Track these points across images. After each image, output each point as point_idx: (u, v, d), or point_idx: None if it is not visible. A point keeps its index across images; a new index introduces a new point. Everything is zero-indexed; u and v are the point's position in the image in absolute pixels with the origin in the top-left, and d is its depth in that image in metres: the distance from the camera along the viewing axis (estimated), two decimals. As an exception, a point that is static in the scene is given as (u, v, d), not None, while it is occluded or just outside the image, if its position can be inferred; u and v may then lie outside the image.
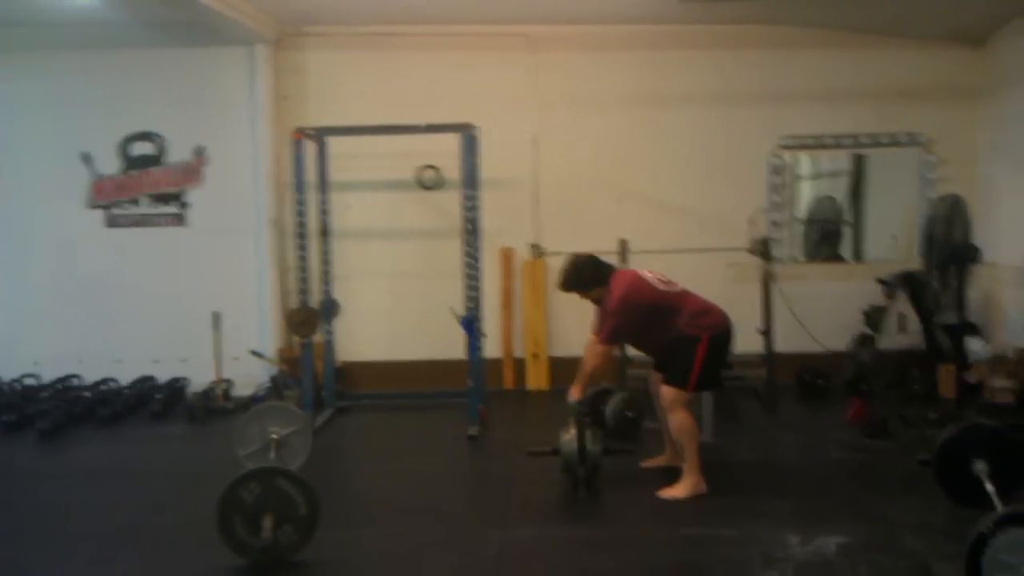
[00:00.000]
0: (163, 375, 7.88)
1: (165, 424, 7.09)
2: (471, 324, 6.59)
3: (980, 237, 6.59)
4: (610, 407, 6.21)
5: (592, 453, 5.11)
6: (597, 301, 5.26)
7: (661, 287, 5.12)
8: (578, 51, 8.00)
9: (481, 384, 6.81)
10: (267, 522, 4.16)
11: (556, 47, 7.94)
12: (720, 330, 5.12)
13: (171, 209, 8.02)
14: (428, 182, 7.94)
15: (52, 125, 7.99)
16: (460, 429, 6.51)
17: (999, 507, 3.98)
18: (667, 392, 5.04)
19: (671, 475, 5.22)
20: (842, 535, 4.38)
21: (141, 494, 5.44)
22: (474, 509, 5.13)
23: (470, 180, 6.72)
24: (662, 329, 5.08)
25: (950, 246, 6.37)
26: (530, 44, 7.88)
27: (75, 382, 7.84)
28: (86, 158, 7.98)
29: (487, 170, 7.32)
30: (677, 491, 5.01)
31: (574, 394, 5.18)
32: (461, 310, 6.67)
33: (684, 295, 5.15)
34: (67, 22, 7.46)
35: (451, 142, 6.76)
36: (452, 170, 7.41)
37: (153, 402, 7.32)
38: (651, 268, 5.29)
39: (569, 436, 5.14)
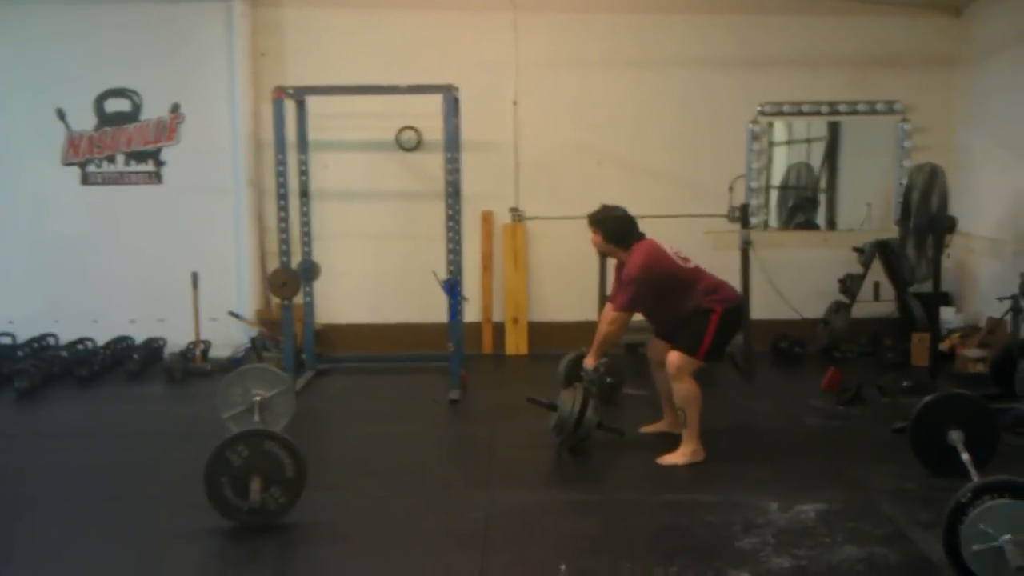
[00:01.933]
0: (140, 335, 7.84)
1: (142, 384, 7.08)
2: (454, 288, 6.60)
3: (956, 207, 6.68)
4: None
5: (588, 422, 5.17)
6: (604, 254, 5.26)
7: (679, 261, 5.16)
8: (560, 12, 7.95)
9: (461, 348, 6.83)
10: (255, 484, 4.18)
11: (538, 8, 7.87)
12: (733, 303, 5.17)
13: (147, 167, 7.93)
14: (408, 143, 7.91)
15: (26, 81, 7.84)
16: (441, 393, 6.55)
17: (975, 476, 4.08)
18: (675, 358, 5.04)
19: (667, 440, 5.30)
20: (820, 502, 4.47)
21: (123, 455, 5.43)
22: (459, 472, 5.18)
23: (452, 142, 6.69)
24: (675, 302, 5.10)
25: (926, 215, 6.44)
26: (512, 4, 7.82)
27: (51, 341, 7.79)
28: (61, 114, 7.86)
29: (467, 132, 7.27)
30: (676, 457, 5.07)
31: (589, 361, 5.25)
32: (441, 273, 6.67)
33: (699, 271, 5.20)
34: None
35: (432, 103, 6.71)
36: (432, 131, 7.39)
37: (130, 362, 7.29)
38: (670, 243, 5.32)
39: (570, 399, 5.19)
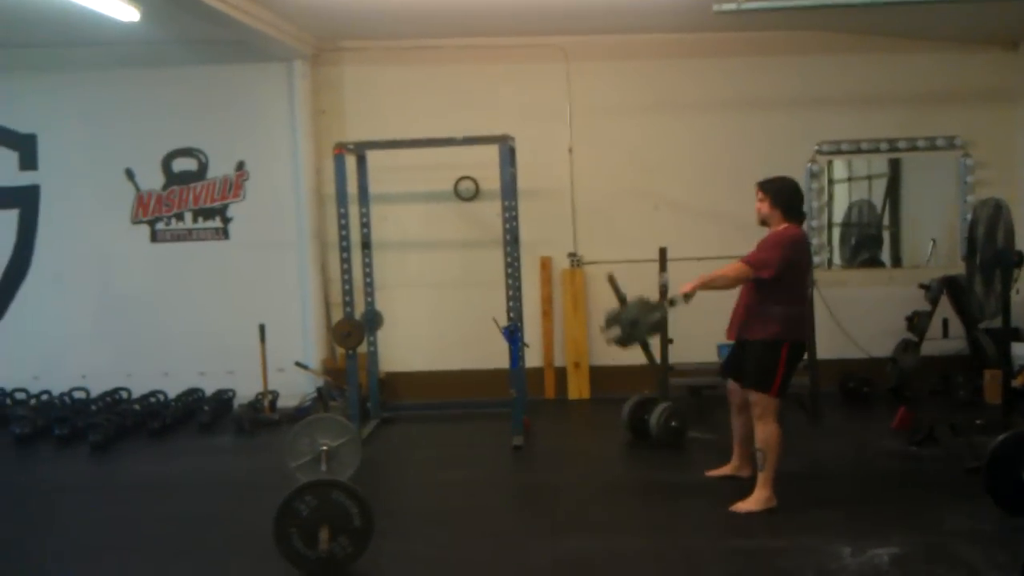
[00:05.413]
0: (210, 387, 7.99)
1: (213, 436, 7.20)
2: (514, 334, 6.63)
3: (1021, 241, 6.55)
4: (655, 417, 6.25)
5: (641, 327, 5.21)
6: (763, 222, 5.21)
7: (807, 268, 5.29)
8: (612, 60, 8.05)
9: (523, 394, 6.85)
10: (323, 534, 4.22)
11: (590, 56, 7.98)
12: (801, 340, 5.17)
13: (214, 223, 8.14)
14: (466, 193, 8.02)
15: (96, 142, 8.14)
16: (504, 439, 6.56)
17: (1053, 516, 3.98)
18: (758, 399, 5.01)
19: (735, 485, 5.25)
20: (894, 546, 4.38)
21: (195, 506, 5.53)
22: (523, 519, 5.18)
23: (508, 191, 6.77)
24: (770, 294, 5.01)
25: (993, 250, 6.33)
26: (565, 54, 7.92)
27: (123, 395, 7.97)
28: (130, 174, 8.12)
29: (524, 180, 7.38)
30: (749, 504, 5.00)
31: (684, 288, 5.02)
32: (502, 320, 6.72)
33: (806, 298, 5.31)
34: (110, 40, 7.58)
35: (488, 153, 6.80)
36: (489, 180, 7.48)
37: (201, 414, 7.43)
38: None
39: (643, 306, 5.22)
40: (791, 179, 5.25)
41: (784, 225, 5.12)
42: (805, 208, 5.44)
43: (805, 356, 5.55)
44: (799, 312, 5.13)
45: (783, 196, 5.15)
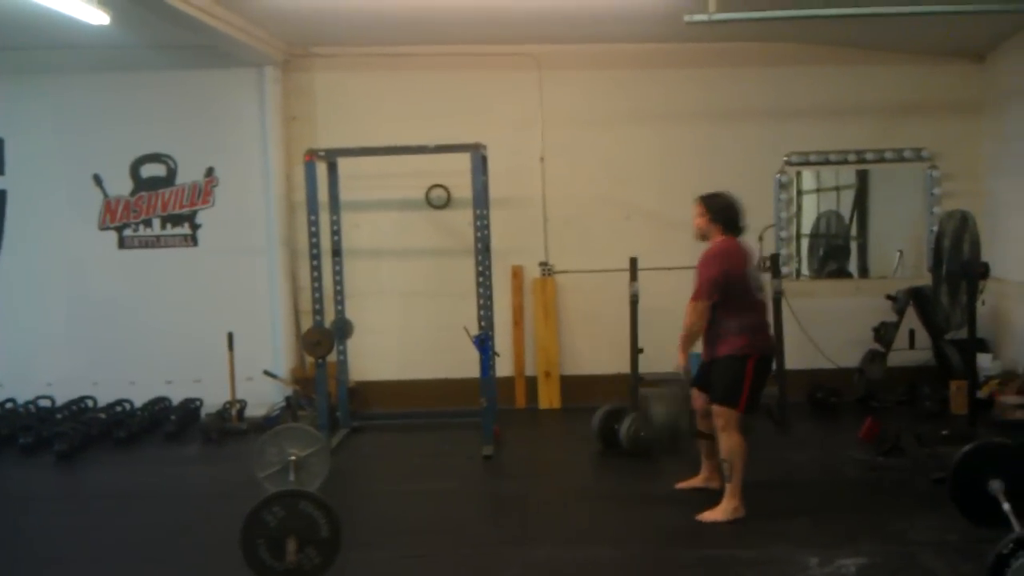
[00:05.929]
0: (177, 396, 7.91)
1: (180, 445, 7.13)
2: (485, 343, 6.62)
3: (987, 253, 6.63)
4: (624, 428, 6.26)
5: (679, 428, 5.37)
6: (702, 237, 5.28)
7: (751, 280, 5.16)
8: (584, 69, 8.06)
9: (494, 403, 6.83)
10: (291, 545, 4.18)
11: (563, 65, 7.99)
12: (767, 352, 5.20)
13: (183, 230, 8.07)
14: (437, 201, 8.00)
15: (64, 147, 8.04)
16: (474, 449, 6.54)
17: (1016, 527, 4.01)
18: (721, 412, 5.05)
19: (705, 496, 5.26)
20: (861, 556, 4.41)
21: (161, 516, 5.48)
22: (493, 529, 5.18)
23: (480, 199, 6.76)
24: (724, 313, 5.06)
25: (958, 262, 6.40)
26: (537, 63, 7.93)
27: (89, 404, 7.86)
28: (98, 180, 8.04)
29: (496, 188, 7.37)
30: (716, 514, 5.02)
31: (680, 360, 5.21)
32: (473, 328, 6.70)
33: (761, 304, 5.22)
34: (79, 44, 7.49)
35: (460, 161, 6.79)
36: (461, 188, 7.48)
37: (167, 423, 7.35)
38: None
39: (663, 407, 5.36)
40: (729, 194, 5.33)
41: (719, 239, 5.18)
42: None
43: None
44: (757, 321, 5.16)
45: (722, 211, 5.23)
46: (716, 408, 5.07)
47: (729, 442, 5.03)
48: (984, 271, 6.46)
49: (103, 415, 7.49)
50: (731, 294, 5.07)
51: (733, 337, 5.05)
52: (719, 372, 5.11)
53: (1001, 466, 4.47)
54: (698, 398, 5.39)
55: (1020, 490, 4.40)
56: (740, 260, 5.17)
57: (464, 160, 6.71)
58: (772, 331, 5.38)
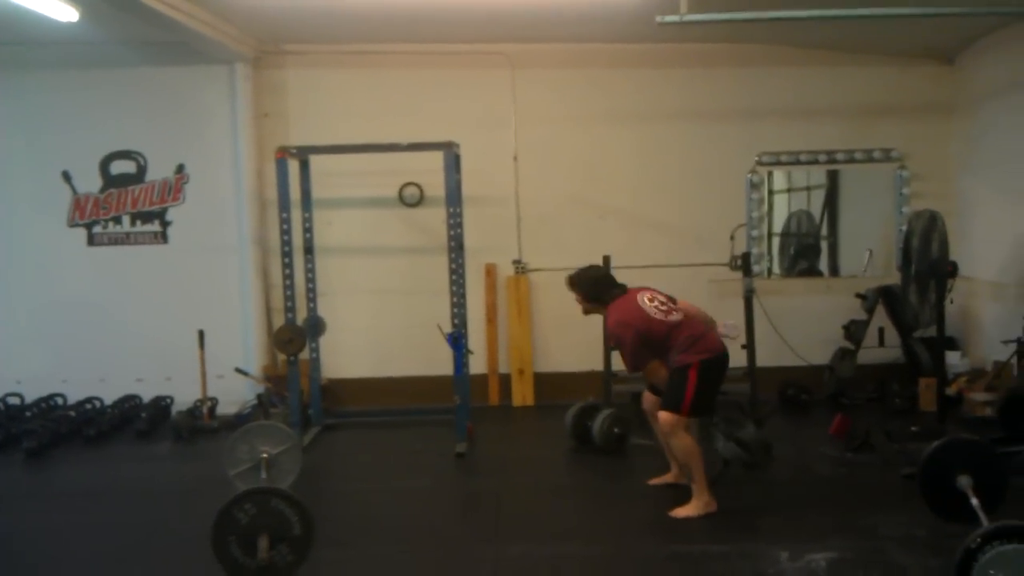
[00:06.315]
0: (147, 394, 7.85)
1: (151, 443, 7.07)
2: (458, 340, 6.62)
3: (956, 252, 6.71)
4: (598, 423, 6.29)
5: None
6: (588, 312, 5.40)
7: (658, 316, 5.12)
8: (557, 68, 8.07)
9: (467, 401, 6.84)
10: (263, 543, 4.16)
11: (535, 64, 7.99)
12: (713, 355, 5.13)
13: (153, 227, 8.01)
14: (410, 199, 7.99)
15: (32, 143, 7.96)
16: (447, 446, 6.53)
17: (984, 521, 4.06)
18: (664, 417, 5.07)
19: (677, 492, 5.28)
20: (831, 550, 4.45)
21: (130, 515, 5.43)
22: (466, 527, 5.17)
23: (453, 197, 6.76)
24: (660, 355, 5.13)
25: (927, 261, 6.47)
26: (510, 62, 7.93)
27: (59, 401, 7.79)
28: (66, 177, 7.96)
29: (469, 187, 7.36)
30: (688, 510, 5.05)
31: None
32: (446, 326, 6.69)
33: (680, 324, 5.15)
34: (48, 41, 7.44)
35: (433, 159, 6.77)
36: (434, 187, 7.47)
37: (138, 421, 7.28)
38: (654, 290, 5.35)
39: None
40: (592, 269, 5.50)
41: (609, 308, 5.24)
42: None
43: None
44: (691, 333, 5.13)
45: (588, 290, 5.34)
46: (660, 414, 5.10)
47: (680, 445, 5.07)
48: (953, 270, 6.53)
49: (73, 413, 7.42)
50: (656, 340, 5.10)
51: (682, 355, 5.07)
52: (668, 383, 5.13)
53: (969, 462, 4.50)
54: (647, 398, 5.44)
55: (988, 485, 4.46)
56: (637, 313, 5.13)
57: (437, 158, 6.69)
58: (716, 329, 5.37)
